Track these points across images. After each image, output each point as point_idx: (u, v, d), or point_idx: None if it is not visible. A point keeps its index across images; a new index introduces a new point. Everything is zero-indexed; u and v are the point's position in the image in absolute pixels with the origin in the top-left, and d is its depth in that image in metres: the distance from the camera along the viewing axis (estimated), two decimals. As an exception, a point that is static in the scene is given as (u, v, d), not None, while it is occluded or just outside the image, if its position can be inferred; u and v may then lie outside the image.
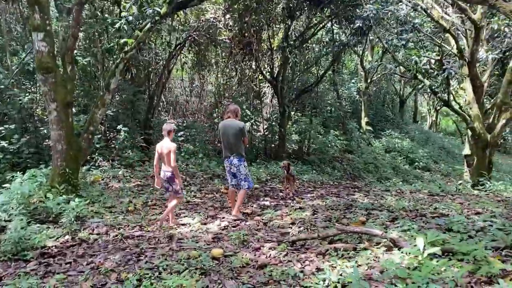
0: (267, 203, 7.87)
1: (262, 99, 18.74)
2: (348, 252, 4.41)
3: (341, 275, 3.69)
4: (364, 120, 22.53)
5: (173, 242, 5.28)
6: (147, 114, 14.23)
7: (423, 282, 3.22)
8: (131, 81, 13.75)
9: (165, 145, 6.29)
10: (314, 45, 18.45)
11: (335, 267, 4.02)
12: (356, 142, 20.52)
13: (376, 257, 4.22)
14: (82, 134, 7.99)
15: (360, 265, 4.02)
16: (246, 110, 15.47)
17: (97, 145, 11.10)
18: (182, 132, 13.98)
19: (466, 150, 17.30)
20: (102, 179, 9.64)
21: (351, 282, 3.44)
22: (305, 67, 17.57)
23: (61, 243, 5.37)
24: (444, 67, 10.03)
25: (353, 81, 23.49)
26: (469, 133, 17.43)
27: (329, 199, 8.09)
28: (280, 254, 4.59)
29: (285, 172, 8.88)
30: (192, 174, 10.74)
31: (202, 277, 3.98)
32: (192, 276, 3.95)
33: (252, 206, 7.61)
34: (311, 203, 7.81)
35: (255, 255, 4.64)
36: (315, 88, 17.99)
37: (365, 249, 4.46)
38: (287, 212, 6.89)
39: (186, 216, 6.64)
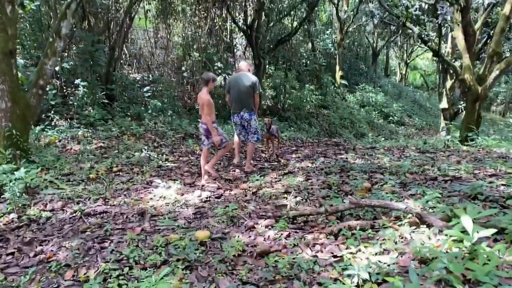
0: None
1: (234, 51, 17.44)
2: (366, 231, 3.56)
3: (370, 267, 2.82)
4: (338, 74, 21.65)
5: (145, 220, 4.29)
6: (108, 67, 12.75)
7: (492, 282, 2.39)
8: (89, 30, 12.18)
9: (201, 96, 5.94)
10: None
11: (355, 254, 3.16)
12: (331, 97, 19.72)
13: (403, 238, 3.39)
14: (30, 89, 6.67)
15: (386, 251, 3.18)
16: (217, 63, 14.22)
17: (52, 102, 9.74)
18: (148, 87, 12.66)
19: (444, 104, 16.87)
20: (59, 141, 8.40)
21: (387, 281, 2.58)
22: (280, 16, 16.28)
23: (4, 225, 4.27)
24: (438, 12, 9.09)
25: (327, 32, 22.35)
26: (447, 86, 17.02)
27: (318, 161, 7.22)
28: (281, 234, 3.68)
29: (266, 131, 7.91)
30: (162, 133, 9.61)
31: (188, 273, 3.03)
32: (174, 273, 3.00)
33: (234, 171, 6.65)
34: (300, 165, 6.93)
35: (249, 236, 3.72)
36: (290, 39, 16.83)
37: (385, 226, 3.62)
38: (276, 178, 5.97)
39: (159, 185, 5.61)
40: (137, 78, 14.80)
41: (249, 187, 5.46)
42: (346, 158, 7.72)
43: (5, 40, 6.04)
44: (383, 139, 12.79)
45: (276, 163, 7.24)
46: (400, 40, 34.53)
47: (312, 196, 4.90)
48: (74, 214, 4.53)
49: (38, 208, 4.72)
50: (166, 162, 7.11)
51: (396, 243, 3.26)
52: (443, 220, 3.61)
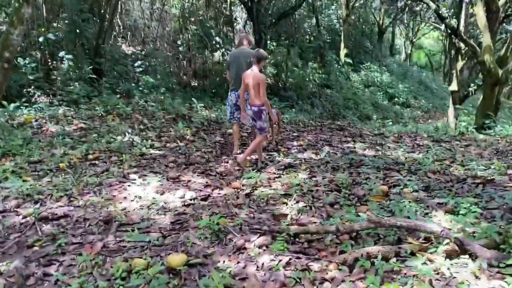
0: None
1: (234, 25, 16.33)
2: (390, 260, 2.70)
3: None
4: (343, 52, 20.54)
5: (111, 232, 3.43)
6: (97, 40, 11.74)
7: None
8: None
9: (255, 75, 5.38)
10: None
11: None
12: (335, 76, 18.68)
13: (439, 274, 2.53)
14: (-5, 62, 5.76)
15: (421, 296, 2.33)
16: (216, 38, 13.19)
17: (31, 77, 8.78)
18: (140, 62, 11.66)
19: (453, 86, 15.89)
20: (36, 120, 7.48)
21: None
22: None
23: None
24: (461, -15, 8.06)
25: (332, 7, 21.12)
26: (458, 67, 16.00)
27: (323, 151, 6.34)
28: (279, 261, 2.82)
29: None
30: (151, 114, 8.69)
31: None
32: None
33: (227, 162, 5.78)
34: (302, 156, 6.05)
35: (238, 262, 2.86)
36: (294, 13, 15.70)
37: (413, 254, 2.77)
38: (275, 173, 5.10)
39: (135, 181, 4.72)
40: (129, 52, 13.78)
41: (242, 185, 4.59)
42: (354, 147, 6.84)
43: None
44: (390, 123, 11.88)
45: (275, 152, 6.34)
46: (407, 18, 33.19)
47: (317, 201, 4.03)
48: (26, 219, 3.68)
49: (-15, 208, 3.87)
50: (151, 149, 6.22)
51: (432, 285, 2.41)
52: (490, 247, 2.76)
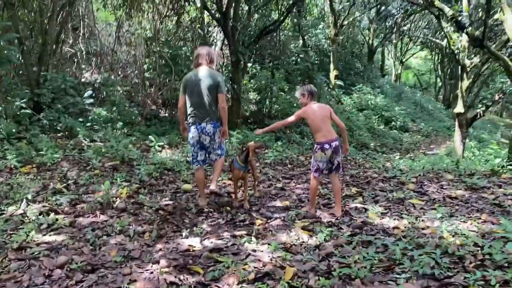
0: (194, 240, 3.64)
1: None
2: None
3: None
4: (333, 73, 18.39)
5: None
6: (39, 67, 9.42)
7: None
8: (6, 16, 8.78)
9: (322, 107, 4.53)
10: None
11: None
12: (325, 99, 16.44)
13: None
14: None
15: None
16: (186, 61, 10.95)
17: None
18: (90, 92, 9.33)
19: (459, 108, 13.71)
20: None
21: None
22: (263, 3, 13.01)
23: None
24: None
25: (319, 26, 19.09)
26: (463, 87, 13.91)
27: (318, 228, 3.94)
28: None
29: (243, 163, 4.65)
30: (86, 161, 6.29)
31: None
32: None
33: (160, 250, 3.37)
34: (286, 239, 3.66)
35: None
36: (277, 32, 13.54)
37: None
38: (238, 276, 2.71)
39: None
40: (84, 80, 11.47)
41: None
42: (365, 211, 4.47)
43: None
44: (398, 156, 9.55)
45: (243, 231, 3.93)
46: (395, 38, 31.48)
47: None
48: None
49: None
50: (47, 231, 3.79)
51: None
52: None
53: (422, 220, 4.13)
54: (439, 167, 7.92)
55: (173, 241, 3.62)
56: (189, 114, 4.62)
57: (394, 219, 4.21)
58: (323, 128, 4.39)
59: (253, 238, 3.56)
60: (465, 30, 7.95)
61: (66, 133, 8.24)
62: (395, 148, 14.97)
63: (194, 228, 3.95)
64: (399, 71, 32.98)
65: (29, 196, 4.49)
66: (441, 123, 21.40)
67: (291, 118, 4.63)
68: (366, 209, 4.58)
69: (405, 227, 3.92)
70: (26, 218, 4.03)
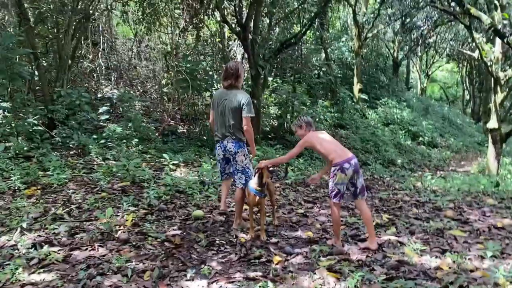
0: (200, 283, 3.11)
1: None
2: None
3: None
4: (357, 87, 17.75)
5: None
6: (55, 82, 9.20)
7: None
8: (22, 29, 8.59)
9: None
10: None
11: None
12: (349, 114, 15.85)
13: None
14: None
15: None
16: (210, 78, 10.53)
17: None
18: (104, 108, 9.02)
19: (493, 123, 12.87)
20: None
21: None
22: (284, 15, 12.56)
23: None
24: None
25: (342, 39, 18.54)
26: (497, 101, 13.12)
27: (345, 265, 3.36)
28: None
29: (259, 184, 4.10)
30: (94, 182, 5.87)
31: None
32: None
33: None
34: (306, 279, 3.09)
35: None
36: (299, 44, 13.07)
37: None
38: None
39: None
40: (100, 96, 11.21)
41: None
42: (402, 252, 3.82)
43: None
44: (429, 177, 8.82)
45: (257, 265, 3.38)
46: (420, 51, 30.62)
47: None
48: None
49: None
50: (33, 269, 3.33)
51: None
52: None
53: (469, 259, 3.48)
54: (476, 189, 7.19)
55: (176, 284, 3.10)
56: (215, 131, 4.59)
57: (435, 257, 3.58)
58: (335, 148, 3.94)
59: (270, 283, 2.99)
60: (505, 39, 7.28)
61: (79, 150, 7.89)
62: (423, 165, 14.17)
63: (202, 266, 3.42)
64: (424, 84, 32.02)
65: (24, 225, 4.05)
66: (471, 138, 20.39)
67: (295, 150, 4.08)
68: (401, 243, 3.96)
69: (449, 268, 3.30)
70: (17, 251, 3.59)
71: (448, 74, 42.80)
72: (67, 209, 4.79)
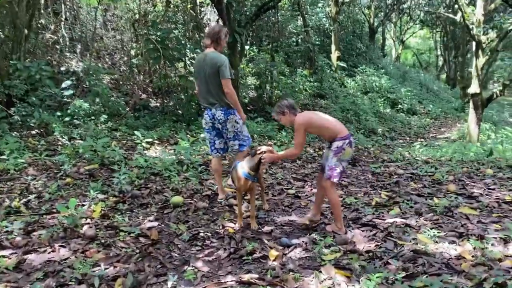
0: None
1: (205, 29, 12.87)
2: None
3: None
4: (335, 55, 17.14)
5: None
6: (11, 55, 8.22)
7: None
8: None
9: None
10: None
11: None
12: (328, 83, 15.30)
13: None
14: None
15: None
16: (183, 47, 9.68)
17: None
18: (67, 82, 8.17)
19: (474, 88, 12.62)
20: None
21: None
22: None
23: None
24: None
25: (319, 4, 17.76)
26: (479, 65, 12.83)
27: (355, 259, 2.86)
28: None
29: (253, 169, 3.52)
30: (57, 166, 5.15)
31: None
32: None
33: None
34: (312, 282, 2.57)
35: None
36: (275, 11, 12.31)
37: None
38: None
39: None
40: (65, 70, 10.25)
41: None
42: (414, 238, 3.33)
43: None
44: (418, 146, 8.41)
45: (251, 263, 2.84)
46: (395, 17, 30.15)
47: None
48: None
49: None
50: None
51: None
52: None
53: (492, 244, 3.03)
54: (469, 158, 6.83)
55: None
56: (201, 100, 4.36)
57: (453, 242, 3.12)
58: (334, 123, 3.42)
59: (267, 270, 2.45)
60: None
61: (41, 130, 7.09)
62: (403, 133, 13.90)
63: (185, 268, 2.85)
64: (399, 51, 31.71)
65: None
66: (449, 104, 20.28)
67: (300, 139, 3.40)
68: (409, 226, 3.48)
69: (472, 256, 2.84)
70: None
71: (421, 41, 42.71)
72: (25, 199, 4.11)
